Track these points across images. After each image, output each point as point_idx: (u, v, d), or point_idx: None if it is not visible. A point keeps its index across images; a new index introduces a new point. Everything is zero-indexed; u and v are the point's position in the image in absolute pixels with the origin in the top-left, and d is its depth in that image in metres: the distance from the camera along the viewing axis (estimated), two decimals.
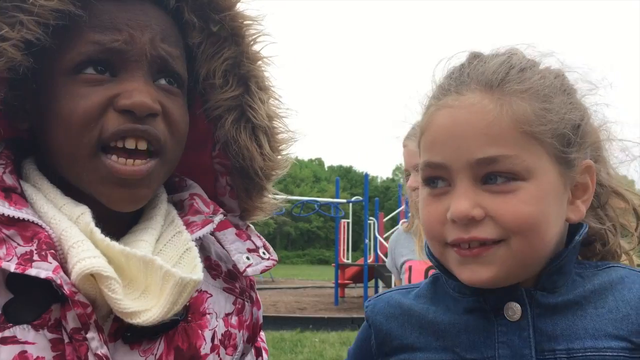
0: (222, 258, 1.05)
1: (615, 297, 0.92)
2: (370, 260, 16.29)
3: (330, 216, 18.03)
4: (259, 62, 1.03)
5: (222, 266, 1.05)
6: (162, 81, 0.91)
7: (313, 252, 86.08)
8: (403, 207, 16.09)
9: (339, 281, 16.91)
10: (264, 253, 1.03)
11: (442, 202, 0.92)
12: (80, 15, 0.85)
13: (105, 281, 0.80)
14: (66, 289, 0.78)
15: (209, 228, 0.97)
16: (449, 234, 0.91)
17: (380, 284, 16.81)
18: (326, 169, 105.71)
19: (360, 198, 17.38)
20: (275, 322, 12.15)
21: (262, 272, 1.01)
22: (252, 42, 1.01)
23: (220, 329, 0.99)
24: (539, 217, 0.89)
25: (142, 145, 0.87)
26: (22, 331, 0.78)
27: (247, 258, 1.00)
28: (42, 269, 0.77)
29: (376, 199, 18.51)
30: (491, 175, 0.88)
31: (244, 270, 0.99)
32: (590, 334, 0.89)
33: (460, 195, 0.89)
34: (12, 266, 0.77)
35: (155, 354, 0.87)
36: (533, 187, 0.88)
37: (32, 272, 0.77)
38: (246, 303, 1.07)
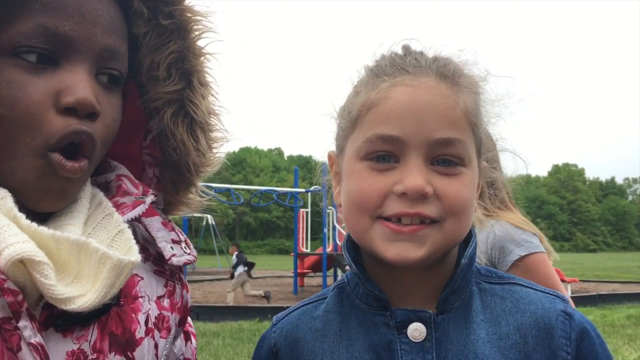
0: (148, 241, 1.01)
1: (507, 322, 0.95)
2: (329, 249, 16.39)
3: (289, 206, 18.04)
4: (202, 58, 1.01)
5: (150, 249, 1.01)
6: (104, 77, 0.87)
7: (273, 242, 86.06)
8: None
9: (298, 270, 16.98)
10: (185, 247, 1.01)
11: (385, 177, 0.92)
12: None
13: (37, 267, 0.75)
14: None
15: (140, 209, 0.95)
16: (390, 208, 0.91)
17: (339, 272, 16.95)
18: (286, 159, 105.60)
19: (319, 187, 17.42)
20: (233, 313, 12.11)
21: (184, 264, 1.01)
22: (197, 38, 1.00)
23: (154, 311, 0.97)
24: (472, 201, 0.95)
25: (76, 140, 0.83)
26: None
27: (172, 248, 0.98)
28: None
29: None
30: (442, 158, 0.91)
31: (169, 259, 0.97)
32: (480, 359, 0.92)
33: (415, 171, 0.90)
34: None
35: (90, 341, 0.84)
36: (470, 173, 0.94)
37: None
38: (176, 285, 1.05)
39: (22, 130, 0.79)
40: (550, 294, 1.00)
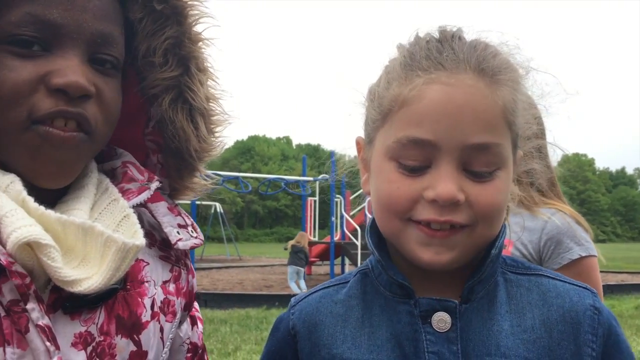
0: (154, 227, 1.03)
1: (533, 315, 0.93)
2: (336, 237, 16.40)
3: (298, 194, 18.05)
4: (200, 44, 1.01)
5: (156, 235, 1.03)
6: (98, 62, 0.88)
7: (281, 230, 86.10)
8: None
9: None
10: (192, 231, 1.03)
11: (415, 181, 0.89)
12: None
13: (44, 250, 0.77)
14: (2, 260, 0.75)
15: (145, 195, 0.96)
16: (420, 213, 0.89)
17: (347, 261, 16.98)
18: (294, 147, 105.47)
19: (327, 176, 17.40)
20: (241, 300, 12.17)
21: (191, 248, 1.02)
22: (194, 23, 1.00)
23: (159, 296, 0.99)
24: (505, 204, 0.92)
25: (72, 125, 0.84)
26: None
27: (178, 232, 1.00)
28: None
29: (342, 176, 18.53)
30: (475, 163, 0.87)
31: (175, 244, 0.98)
32: (502, 352, 0.90)
33: (447, 177, 0.86)
34: None
35: (97, 323, 0.86)
36: (505, 175, 0.90)
37: None
38: (182, 271, 1.07)
39: (7, 107, 0.81)
40: (579, 287, 0.97)
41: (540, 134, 1.76)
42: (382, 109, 0.93)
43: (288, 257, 14.12)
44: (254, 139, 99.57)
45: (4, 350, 0.76)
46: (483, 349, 0.90)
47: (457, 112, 0.86)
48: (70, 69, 0.82)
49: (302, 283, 13.76)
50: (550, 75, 1.01)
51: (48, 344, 0.78)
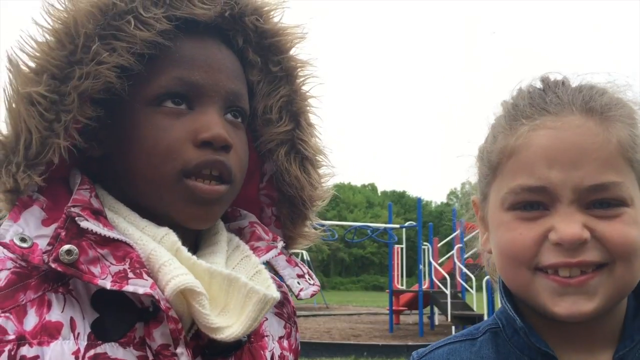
0: None
1: None
2: (425, 286, 16.02)
3: (384, 242, 17.90)
4: (308, 101, 1.12)
5: None
6: (230, 115, 0.99)
7: (367, 278, 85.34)
8: (458, 232, 15.95)
9: (394, 308, 16.69)
10: (309, 279, 1.09)
11: (536, 224, 0.86)
12: (168, 46, 0.93)
13: (197, 297, 0.84)
14: (162, 305, 0.82)
15: (273, 253, 1.03)
16: (547, 258, 0.85)
17: (436, 310, 16.51)
18: (379, 195, 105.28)
19: (414, 223, 17.18)
20: (329, 349, 12.06)
21: (311, 295, 1.07)
22: (303, 83, 1.11)
23: (277, 350, 1.05)
24: None
25: (215, 172, 0.94)
26: (111, 348, 0.82)
27: (298, 283, 1.06)
28: (139, 286, 0.82)
29: (430, 224, 18.26)
30: (598, 201, 0.85)
31: (298, 294, 1.04)
32: None
33: (568, 218, 0.84)
34: (107, 284, 0.81)
35: None
36: (634, 212, 0.85)
37: (129, 288, 0.81)
38: (292, 328, 1.14)
39: (164, 162, 0.92)
40: None
41: None
42: (492, 164, 0.93)
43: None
44: (339, 186, 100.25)
45: None
46: None
47: (568, 155, 0.84)
48: (213, 124, 0.93)
49: None
50: None
51: None
